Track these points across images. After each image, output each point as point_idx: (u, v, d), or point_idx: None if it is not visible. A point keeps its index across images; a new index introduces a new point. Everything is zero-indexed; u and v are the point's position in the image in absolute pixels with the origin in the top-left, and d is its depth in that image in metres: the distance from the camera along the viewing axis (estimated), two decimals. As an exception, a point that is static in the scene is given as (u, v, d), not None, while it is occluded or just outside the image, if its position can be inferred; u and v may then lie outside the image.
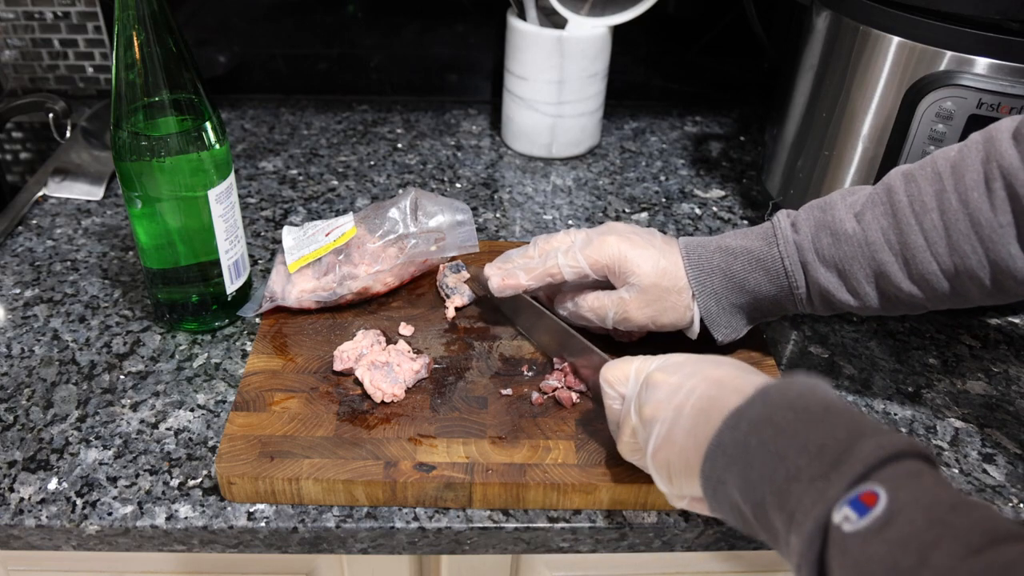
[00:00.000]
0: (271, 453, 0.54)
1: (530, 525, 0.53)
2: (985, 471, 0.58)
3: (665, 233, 0.62)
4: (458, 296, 0.68)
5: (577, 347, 0.60)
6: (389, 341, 0.64)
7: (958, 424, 0.62)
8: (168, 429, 0.58)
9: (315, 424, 0.56)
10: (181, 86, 0.57)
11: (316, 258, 0.67)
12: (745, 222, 0.87)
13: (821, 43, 0.74)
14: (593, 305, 0.60)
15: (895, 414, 0.63)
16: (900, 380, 0.66)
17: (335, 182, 0.91)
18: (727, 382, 0.45)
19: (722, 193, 0.93)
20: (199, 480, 0.55)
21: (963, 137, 0.64)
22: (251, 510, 0.53)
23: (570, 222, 0.86)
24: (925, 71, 0.65)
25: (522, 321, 0.66)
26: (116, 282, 0.73)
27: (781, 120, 0.83)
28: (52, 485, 0.54)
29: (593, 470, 0.53)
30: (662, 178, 0.95)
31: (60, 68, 1.06)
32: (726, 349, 0.62)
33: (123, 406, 0.60)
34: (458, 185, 0.92)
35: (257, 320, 0.68)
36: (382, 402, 0.58)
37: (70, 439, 0.57)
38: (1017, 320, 0.73)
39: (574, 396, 0.59)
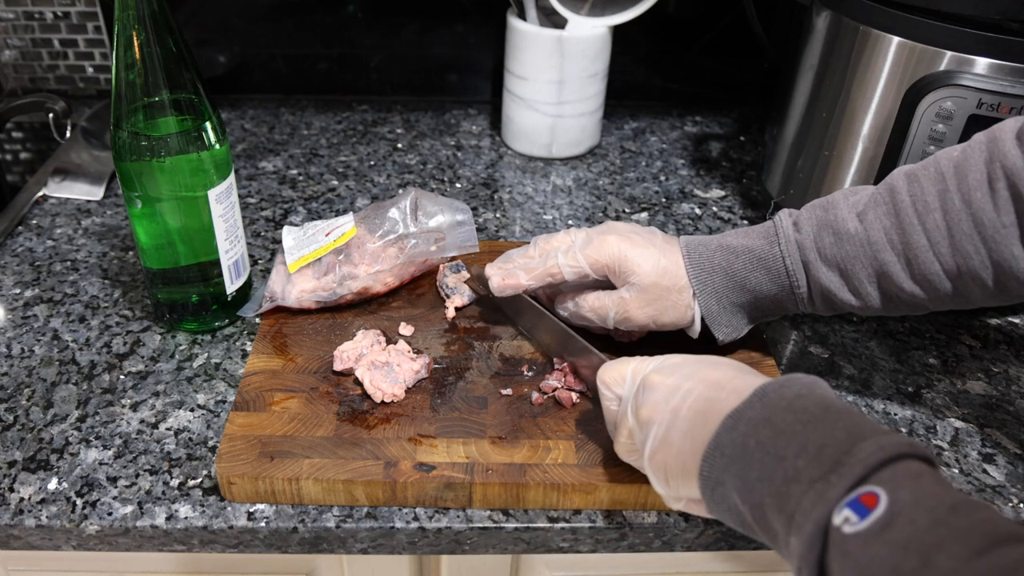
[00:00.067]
0: (271, 453, 0.54)
1: (530, 525, 0.53)
2: (985, 471, 0.58)
3: (665, 233, 0.62)
4: (458, 296, 0.68)
5: (576, 347, 0.60)
6: (389, 341, 0.64)
7: (958, 424, 0.62)
8: (168, 429, 0.58)
9: (315, 424, 0.56)
10: (181, 86, 0.57)
11: (316, 258, 0.67)
12: (745, 222, 0.87)
13: (821, 43, 0.74)
14: (594, 305, 0.60)
15: (895, 414, 0.63)
16: (900, 380, 0.66)
17: (335, 182, 0.91)
18: (724, 383, 0.44)
19: (722, 193, 0.93)
20: (199, 480, 0.55)
21: (963, 137, 0.64)
22: (251, 510, 0.53)
23: (570, 222, 0.86)
24: (925, 71, 0.65)
25: (523, 321, 0.66)
26: (116, 282, 0.73)
27: (781, 120, 0.83)
28: (52, 485, 0.54)
29: (593, 470, 0.53)
30: (662, 178, 0.95)
31: (60, 68, 1.06)
32: (726, 349, 0.62)
33: (123, 406, 0.60)
34: (458, 185, 0.92)
35: (257, 320, 0.68)
36: (382, 402, 0.58)
37: (70, 439, 0.57)
38: (1017, 320, 0.73)
39: (574, 396, 0.59)
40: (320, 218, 0.84)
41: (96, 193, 0.86)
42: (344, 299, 0.67)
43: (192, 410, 0.60)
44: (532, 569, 0.63)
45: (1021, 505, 0.55)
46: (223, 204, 0.62)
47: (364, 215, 0.70)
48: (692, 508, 0.46)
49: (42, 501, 0.53)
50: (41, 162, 0.94)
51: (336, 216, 0.75)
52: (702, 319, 0.59)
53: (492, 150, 1.00)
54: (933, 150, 0.66)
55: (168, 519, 0.52)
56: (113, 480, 0.54)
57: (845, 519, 0.34)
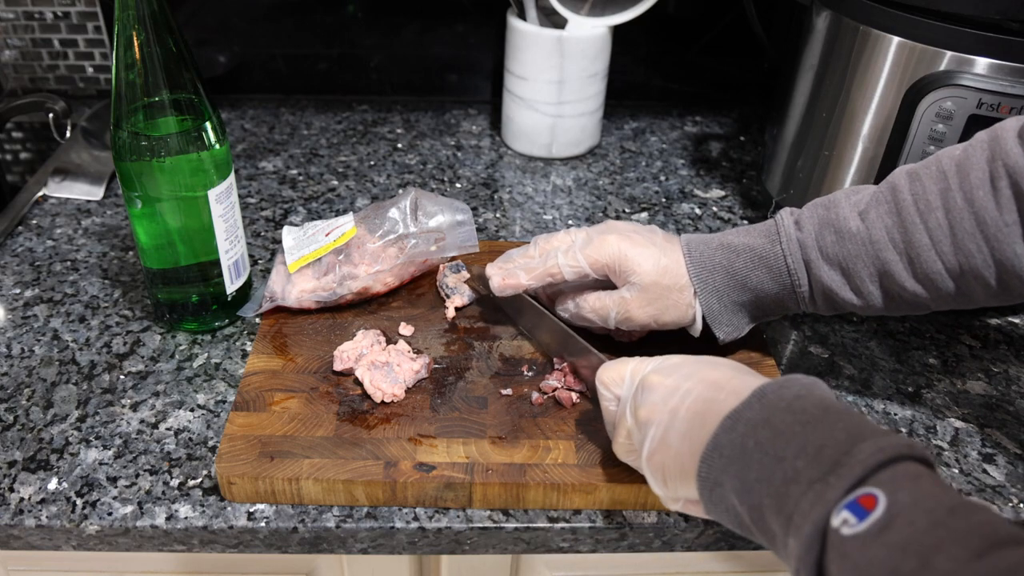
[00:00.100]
0: (271, 453, 0.54)
1: (530, 525, 0.53)
2: (985, 471, 0.58)
3: (666, 232, 0.62)
4: (458, 296, 0.68)
5: (576, 348, 0.60)
6: (389, 341, 0.64)
7: (958, 424, 0.62)
8: (168, 429, 0.58)
9: (315, 424, 0.56)
10: (181, 86, 0.57)
11: (316, 258, 0.67)
12: (745, 222, 0.87)
13: (821, 43, 0.74)
14: (595, 306, 0.60)
15: (895, 414, 0.63)
16: (900, 380, 0.66)
17: (335, 182, 0.91)
18: (723, 384, 0.44)
19: (722, 193, 0.93)
20: (199, 480, 0.55)
21: (963, 137, 0.64)
22: (251, 510, 0.53)
23: (570, 222, 0.86)
24: (925, 71, 0.65)
25: (523, 321, 0.66)
26: (116, 282, 0.73)
27: (781, 120, 0.83)
28: (52, 485, 0.54)
29: (593, 470, 0.53)
30: (662, 178, 0.95)
31: (60, 68, 1.06)
32: (726, 349, 0.62)
33: (123, 406, 0.60)
34: (458, 185, 0.92)
35: (257, 320, 0.68)
36: (382, 402, 0.58)
37: (70, 439, 0.57)
38: (1017, 320, 0.73)
39: (574, 396, 0.59)
40: (320, 218, 0.84)
41: (96, 193, 0.86)
42: (344, 299, 0.67)
43: (192, 410, 0.60)
44: (532, 569, 0.63)
45: (1021, 505, 0.55)
46: (223, 204, 0.62)
47: (364, 215, 0.70)
48: (690, 509, 0.46)
49: (42, 501, 0.53)
50: (41, 162, 0.94)
51: (336, 216, 0.75)
52: (703, 318, 0.59)
53: (492, 150, 1.00)
54: (933, 150, 0.66)
55: (168, 519, 0.52)
56: (113, 480, 0.54)
57: (844, 521, 0.34)
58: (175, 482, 0.54)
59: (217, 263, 0.64)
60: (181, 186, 0.59)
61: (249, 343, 0.66)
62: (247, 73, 1.09)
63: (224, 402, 0.61)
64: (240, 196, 0.87)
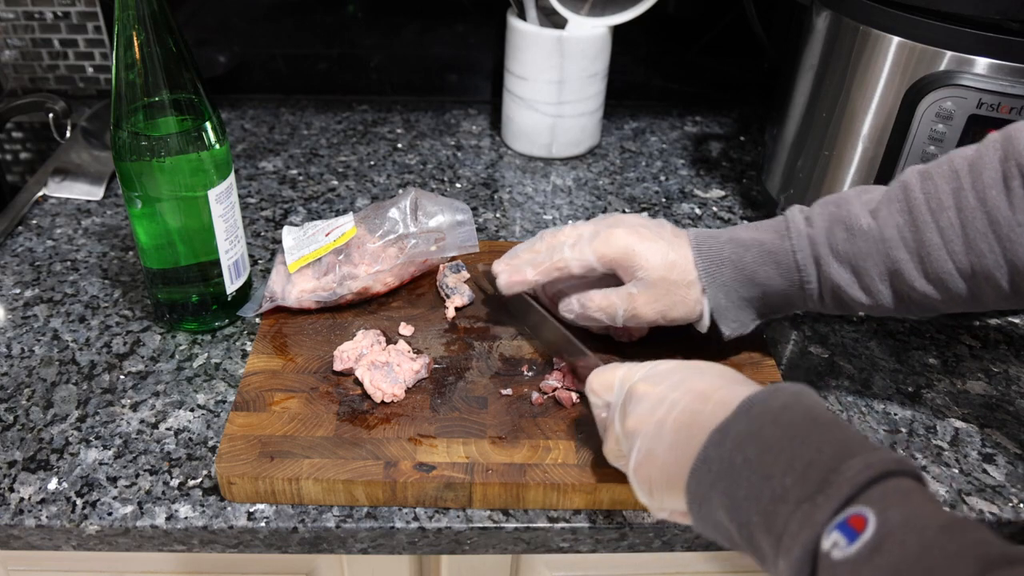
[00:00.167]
0: (271, 453, 0.54)
1: (530, 525, 0.53)
2: (985, 471, 0.58)
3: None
4: (458, 296, 0.68)
5: (572, 350, 0.60)
6: (389, 341, 0.64)
7: (958, 424, 0.62)
8: (168, 429, 0.58)
9: (315, 424, 0.56)
10: (181, 86, 0.57)
11: (316, 258, 0.67)
12: (745, 222, 0.87)
13: (821, 43, 0.74)
14: (601, 304, 0.59)
15: (895, 414, 0.63)
16: (900, 380, 0.66)
17: (335, 182, 0.91)
18: (710, 394, 0.44)
19: (722, 193, 0.93)
20: (199, 480, 0.55)
21: (963, 137, 0.64)
22: (251, 510, 0.53)
23: (570, 222, 0.86)
24: (925, 71, 0.65)
25: (523, 322, 0.66)
26: (116, 282, 0.73)
27: (781, 120, 0.83)
28: (52, 485, 0.54)
29: (593, 470, 0.53)
30: (662, 178, 0.95)
31: (60, 68, 1.06)
32: (727, 349, 0.62)
33: (123, 406, 0.60)
34: (458, 185, 0.92)
35: (257, 320, 0.68)
36: (382, 402, 0.58)
37: (70, 439, 0.57)
38: (1017, 320, 0.73)
39: (574, 396, 0.59)
40: (320, 218, 0.84)
41: (96, 193, 0.86)
42: (344, 299, 0.67)
43: (192, 410, 0.60)
44: (532, 569, 0.63)
45: (1021, 505, 0.55)
46: (223, 204, 0.62)
47: (364, 215, 0.70)
48: (677, 518, 0.46)
49: (42, 501, 0.53)
50: (41, 162, 0.94)
51: (336, 216, 0.75)
52: (711, 314, 0.58)
53: (492, 150, 1.00)
54: (933, 150, 0.66)
55: (168, 519, 0.52)
56: (113, 480, 0.54)
57: (834, 543, 0.34)
58: (175, 482, 0.54)
59: (217, 263, 0.64)
60: (181, 186, 0.59)
61: (249, 343, 0.67)
62: (247, 73, 1.09)
63: (224, 402, 0.61)
64: (240, 196, 0.87)
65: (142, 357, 0.65)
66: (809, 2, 0.77)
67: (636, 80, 1.11)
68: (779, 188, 0.83)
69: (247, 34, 1.05)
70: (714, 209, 0.89)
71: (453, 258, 0.73)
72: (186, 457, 0.56)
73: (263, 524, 0.52)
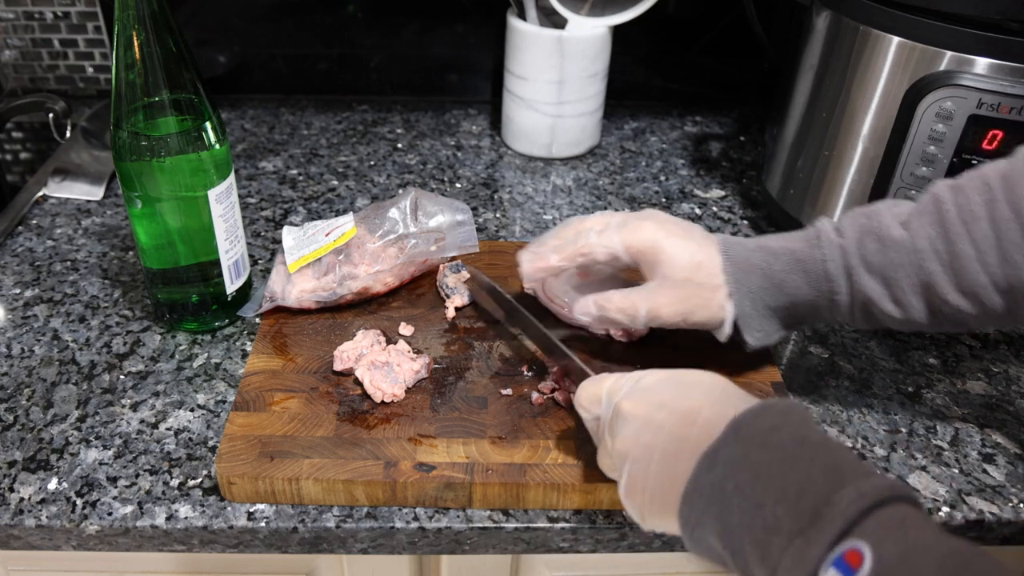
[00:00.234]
0: (271, 453, 0.54)
1: (530, 525, 0.53)
2: (985, 471, 0.58)
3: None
4: (458, 296, 0.68)
5: (562, 360, 0.59)
6: (389, 341, 0.64)
7: (958, 424, 0.62)
8: (168, 429, 0.58)
9: (315, 424, 0.56)
10: (181, 86, 0.57)
11: (316, 258, 0.67)
12: (745, 222, 0.87)
13: (821, 43, 0.74)
14: (621, 305, 0.56)
15: (895, 414, 0.63)
16: (900, 380, 0.66)
17: (335, 182, 0.91)
18: (695, 416, 0.43)
19: (722, 193, 0.93)
20: (199, 480, 0.55)
21: (963, 137, 0.64)
22: (251, 510, 0.53)
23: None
24: (925, 71, 0.65)
25: (513, 325, 0.65)
26: (116, 282, 0.73)
27: (781, 120, 0.83)
28: (52, 485, 0.54)
29: (593, 470, 0.53)
30: (662, 178, 0.95)
31: (60, 68, 1.06)
32: (727, 350, 0.62)
33: (123, 406, 0.60)
34: (458, 185, 0.92)
35: (257, 320, 0.68)
36: (382, 402, 0.58)
37: (70, 439, 0.57)
38: (1017, 320, 0.73)
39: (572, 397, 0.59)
40: (320, 218, 0.84)
41: (96, 193, 0.86)
42: (344, 299, 0.67)
43: (192, 410, 0.60)
44: (532, 569, 0.63)
45: (1021, 505, 0.55)
46: (223, 204, 0.62)
47: (364, 215, 0.70)
48: (669, 531, 0.45)
49: (42, 501, 0.53)
50: (41, 162, 0.94)
51: (336, 216, 0.75)
52: (734, 322, 0.57)
53: (492, 150, 1.00)
54: (933, 150, 0.66)
55: (168, 519, 0.52)
56: (113, 480, 0.54)
57: None
58: (175, 482, 0.54)
59: (217, 263, 0.64)
60: (181, 186, 0.59)
61: (249, 343, 0.67)
62: (247, 73, 1.09)
63: (224, 402, 0.61)
64: (240, 196, 0.87)
65: (142, 357, 0.65)
66: (809, 2, 0.77)
67: (636, 80, 1.11)
68: (779, 188, 0.83)
69: (247, 34, 1.05)
70: (714, 209, 0.89)
71: (453, 258, 0.73)
72: (186, 457, 0.56)
73: (263, 524, 0.52)
